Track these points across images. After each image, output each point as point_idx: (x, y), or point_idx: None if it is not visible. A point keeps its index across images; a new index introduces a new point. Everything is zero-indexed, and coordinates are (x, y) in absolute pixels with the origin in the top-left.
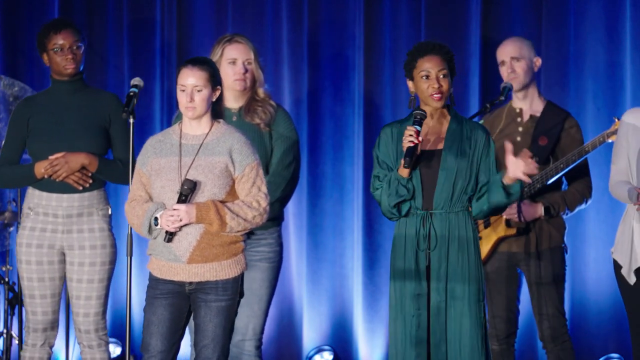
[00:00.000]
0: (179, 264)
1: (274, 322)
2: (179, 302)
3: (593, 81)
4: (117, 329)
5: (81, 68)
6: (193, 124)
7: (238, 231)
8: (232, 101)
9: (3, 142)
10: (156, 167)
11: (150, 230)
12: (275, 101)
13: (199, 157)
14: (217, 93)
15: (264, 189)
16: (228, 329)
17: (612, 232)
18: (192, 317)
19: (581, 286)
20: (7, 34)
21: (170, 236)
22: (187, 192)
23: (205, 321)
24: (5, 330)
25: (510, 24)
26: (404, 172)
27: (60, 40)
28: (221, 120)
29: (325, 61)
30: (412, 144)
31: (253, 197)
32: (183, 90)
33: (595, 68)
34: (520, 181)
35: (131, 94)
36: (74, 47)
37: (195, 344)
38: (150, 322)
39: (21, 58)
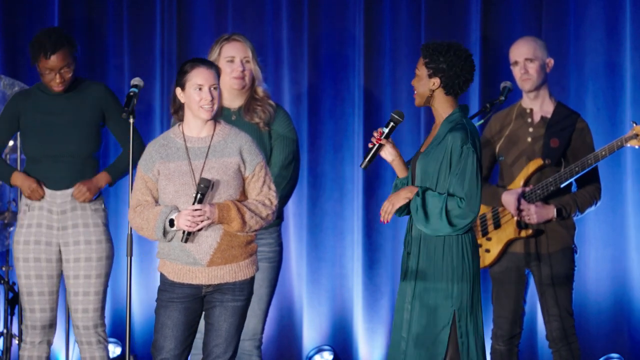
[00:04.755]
0: (198, 267)
1: (274, 322)
2: (194, 306)
3: (593, 81)
4: (117, 329)
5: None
6: (197, 126)
7: (255, 230)
8: (231, 100)
9: None
10: (165, 171)
11: (164, 233)
12: (275, 101)
13: (209, 159)
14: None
15: (273, 186)
16: (240, 328)
17: (612, 232)
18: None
19: (581, 286)
20: (7, 34)
21: (188, 237)
22: (205, 190)
23: (219, 321)
24: (5, 330)
25: (510, 23)
26: (400, 173)
27: (49, 64)
28: (221, 121)
29: (325, 61)
30: (370, 145)
31: (265, 196)
32: (200, 89)
33: (595, 68)
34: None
35: (131, 94)
36: (63, 70)
37: (206, 343)
38: (164, 324)
39: (21, 58)
